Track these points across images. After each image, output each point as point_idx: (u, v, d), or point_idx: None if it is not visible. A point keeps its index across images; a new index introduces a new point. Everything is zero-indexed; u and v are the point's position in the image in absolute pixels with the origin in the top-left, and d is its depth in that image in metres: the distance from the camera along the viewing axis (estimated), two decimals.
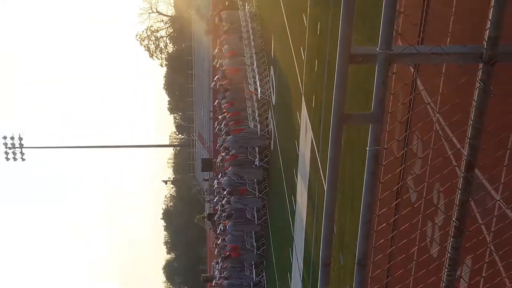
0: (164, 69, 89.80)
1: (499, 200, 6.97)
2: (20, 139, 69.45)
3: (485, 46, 3.70)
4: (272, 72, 35.15)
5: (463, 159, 4.10)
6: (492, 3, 3.59)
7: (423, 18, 8.62)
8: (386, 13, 3.76)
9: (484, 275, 6.11)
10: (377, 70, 3.89)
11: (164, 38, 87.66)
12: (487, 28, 3.63)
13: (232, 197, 36.86)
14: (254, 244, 36.86)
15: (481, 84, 3.83)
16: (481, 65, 3.78)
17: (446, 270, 4.16)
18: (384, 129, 4.15)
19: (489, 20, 3.63)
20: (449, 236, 4.17)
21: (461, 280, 4.84)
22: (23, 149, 69.86)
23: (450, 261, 4.17)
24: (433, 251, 8.50)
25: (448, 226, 4.27)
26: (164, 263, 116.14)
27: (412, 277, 5.28)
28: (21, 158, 70.09)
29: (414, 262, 5.28)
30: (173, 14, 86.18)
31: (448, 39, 7.38)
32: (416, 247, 5.51)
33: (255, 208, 36.82)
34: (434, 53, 3.88)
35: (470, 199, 4.14)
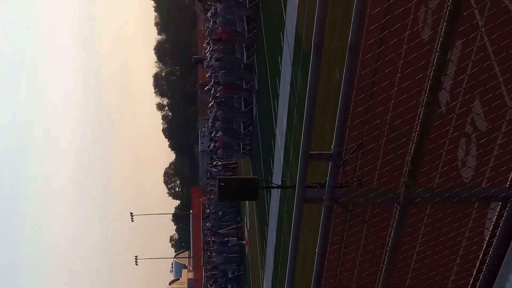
0: None
1: None
2: None
3: None
4: None
5: None
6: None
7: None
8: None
9: (473, 58, 6.22)
10: None
11: None
12: None
13: None
14: (245, 27, 36.66)
15: None
16: None
17: (437, 53, 4.22)
18: None
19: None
20: (442, 20, 4.17)
21: (450, 64, 4.94)
22: None
23: (441, 45, 4.21)
24: (424, 36, 8.55)
25: (441, 11, 4.25)
26: (155, 44, 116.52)
27: (403, 60, 5.37)
28: None
29: (406, 46, 5.34)
30: None
31: None
32: (408, 31, 5.53)
33: None
34: None
35: None
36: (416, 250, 6.15)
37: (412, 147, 4.69)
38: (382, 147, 5.69)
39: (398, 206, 5.01)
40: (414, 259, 6.34)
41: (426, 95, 4.42)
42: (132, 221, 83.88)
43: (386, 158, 5.74)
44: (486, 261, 5.35)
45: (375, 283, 5.68)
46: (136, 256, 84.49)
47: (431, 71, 4.31)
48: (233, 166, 49.41)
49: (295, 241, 5.41)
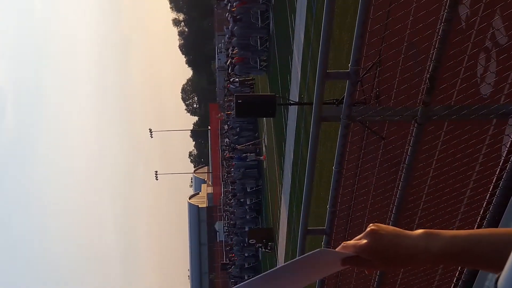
0: None
1: None
2: None
3: None
4: None
5: None
6: None
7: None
8: None
9: None
10: None
11: None
12: None
13: None
14: None
15: None
16: None
17: None
18: None
19: None
20: None
21: None
22: None
23: None
24: None
25: None
26: None
27: None
28: None
29: None
30: None
31: None
32: None
33: None
34: None
35: None
36: (433, 167, 6.20)
37: (430, 64, 4.64)
38: (400, 65, 5.63)
39: (415, 124, 5.01)
40: (430, 176, 6.40)
41: (446, 10, 4.33)
42: (151, 137, 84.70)
43: (404, 76, 5.69)
44: (503, 177, 5.38)
45: (391, 200, 5.77)
46: (156, 171, 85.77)
47: None
48: (251, 82, 49.20)
49: (312, 158, 5.46)
